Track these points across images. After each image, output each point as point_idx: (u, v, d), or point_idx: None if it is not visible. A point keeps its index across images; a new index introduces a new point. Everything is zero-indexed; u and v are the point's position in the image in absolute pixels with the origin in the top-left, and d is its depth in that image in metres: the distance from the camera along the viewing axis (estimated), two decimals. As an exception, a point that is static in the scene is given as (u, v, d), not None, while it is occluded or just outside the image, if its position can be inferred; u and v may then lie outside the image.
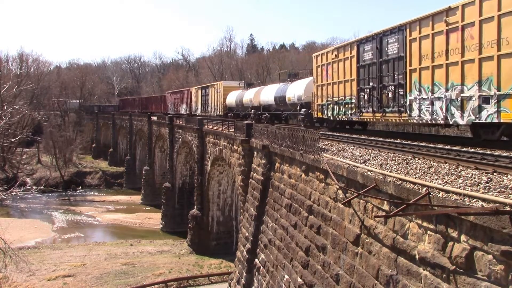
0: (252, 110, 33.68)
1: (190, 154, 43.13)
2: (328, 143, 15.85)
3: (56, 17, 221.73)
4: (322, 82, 21.91)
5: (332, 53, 20.58)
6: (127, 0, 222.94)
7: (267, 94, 31.70)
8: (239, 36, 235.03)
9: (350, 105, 19.15)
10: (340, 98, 20.04)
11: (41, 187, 48.15)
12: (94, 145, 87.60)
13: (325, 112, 21.60)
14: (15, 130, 55.53)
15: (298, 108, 25.46)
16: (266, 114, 31.48)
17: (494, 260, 6.37)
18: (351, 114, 19.11)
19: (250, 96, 34.52)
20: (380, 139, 14.94)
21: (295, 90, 26.33)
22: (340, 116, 20.21)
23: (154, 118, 56.68)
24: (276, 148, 17.86)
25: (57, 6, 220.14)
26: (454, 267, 7.17)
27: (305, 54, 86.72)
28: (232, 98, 38.29)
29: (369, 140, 14.89)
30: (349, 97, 19.16)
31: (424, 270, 7.93)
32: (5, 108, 32.73)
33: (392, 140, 14.55)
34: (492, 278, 6.39)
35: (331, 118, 21.17)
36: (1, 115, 26.91)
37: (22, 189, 23.24)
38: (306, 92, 24.58)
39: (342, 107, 19.89)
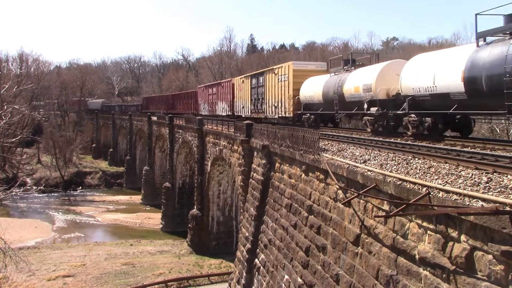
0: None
1: (190, 154, 43.12)
2: (328, 143, 15.86)
3: (56, 17, 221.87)
4: None
5: None
6: (127, 0, 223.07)
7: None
8: (239, 36, 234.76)
9: None
10: None
11: (41, 187, 48.16)
12: (94, 145, 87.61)
13: None
14: (15, 130, 55.43)
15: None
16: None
17: (494, 260, 6.37)
18: None
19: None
20: (380, 139, 14.94)
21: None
22: None
23: (154, 118, 56.64)
24: (276, 148, 17.86)
25: (57, 6, 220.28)
26: (454, 267, 7.17)
27: (305, 54, 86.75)
28: (314, 89, 23.47)
29: (369, 140, 14.89)
30: None
31: (424, 270, 7.93)
32: (5, 108, 32.73)
33: (392, 140, 14.55)
34: (492, 278, 6.39)
35: None
36: (1, 115, 26.90)
37: (22, 189, 23.24)
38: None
39: None
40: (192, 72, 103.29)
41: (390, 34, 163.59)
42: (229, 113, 37.65)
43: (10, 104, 43.35)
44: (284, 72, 26.46)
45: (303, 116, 24.44)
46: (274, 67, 28.86)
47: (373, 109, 17.21)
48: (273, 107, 28.09)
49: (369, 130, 18.07)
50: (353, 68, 20.69)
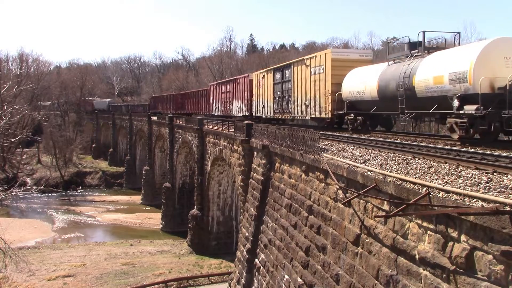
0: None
1: (190, 154, 43.11)
2: (328, 143, 15.86)
3: (56, 17, 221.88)
4: None
5: None
6: (127, 0, 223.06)
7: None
8: (239, 36, 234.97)
9: None
10: None
11: (41, 187, 48.08)
12: (94, 145, 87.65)
13: None
14: (15, 130, 55.49)
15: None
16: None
17: (494, 260, 6.37)
18: None
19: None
20: (380, 139, 14.94)
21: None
22: None
23: (154, 118, 56.61)
24: (276, 148, 17.87)
25: (57, 6, 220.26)
26: (454, 267, 7.17)
27: (305, 54, 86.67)
28: (364, 82, 18.62)
29: (369, 140, 14.89)
30: None
31: (424, 270, 7.93)
32: (5, 108, 32.72)
33: (392, 140, 14.55)
34: (492, 278, 6.39)
35: None
36: (1, 115, 26.90)
37: (22, 189, 23.22)
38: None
39: None
40: (192, 72, 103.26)
41: (390, 34, 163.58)
42: (246, 114, 32.87)
43: (10, 104, 43.36)
44: (319, 62, 21.71)
45: (347, 117, 19.91)
46: (305, 57, 23.99)
47: (469, 108, 12.30)
48: (303, 106, 23.42)
49: (455, 137, 13.27)
50: (425, 53, 15.63)
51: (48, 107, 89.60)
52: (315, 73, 22.20)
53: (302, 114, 24.12)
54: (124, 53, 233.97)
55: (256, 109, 31.61)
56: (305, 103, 23.40)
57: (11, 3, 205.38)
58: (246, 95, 33.43)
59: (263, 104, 30.04)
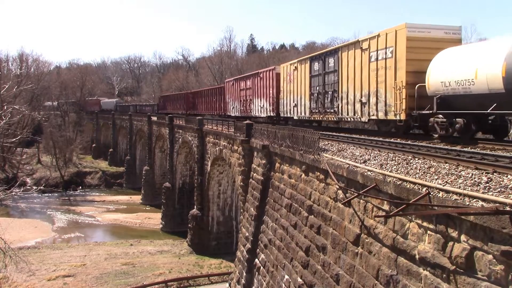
0: None
1: (190, 154, 43.12)
2: (328, 143, 15.86)
3: (56, 17, 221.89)
4: None
5: None
6: (127, 0, 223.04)
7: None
8: (239, 36, 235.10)
9: None
10: None
11: (41, 187, 48.10)
12: (94, 145, 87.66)
13: None
14: (15, 130, 55.51)
15: None
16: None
17: (494, 260, 6.37)
18: None
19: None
20: (380, 139, 14.93)
21: None
22: None
23: (154, 118, 56.59)
24: (276, 148, 17.87)
25: (57, 6, 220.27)
26: (454, 267, 7.17)
27: (305, 54, 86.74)
28: (471, 67, 12.25)
29: (369, 140, 14.87)
30: None
31: (424, 270, 7.93)
32: (5, 108, 32.73)
33: (392, 140, 14.54)
34: (492, 278, 6.39)
35: None
36: (1, 115, 26.90)
37: (22, 189, 23.21)
38: None
39: None
40: (192, 72, 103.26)
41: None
42: (272, 114, 28.09)
43: (10, 104, 43.37)
44: (384, 44, 16.11)
45: (435, 119, 13.79)
46: (361, 38, 17.89)
47: None
48: (357, 105, 17.86)
49: None
50: None
51: (49, 107, 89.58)
52: (376, 59, 16.62)
53: (354, 115, 18.22)
54: (124, 53, 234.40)
55: (285, 109, 26.21)
56: (360, 100, 17.64)
57: (11, 3, 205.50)
58: (271, 92, 28.04)
59: (295, 102, 24.57)
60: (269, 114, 28.59)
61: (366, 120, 17.90)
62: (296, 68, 24.51)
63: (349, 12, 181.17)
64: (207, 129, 33.92)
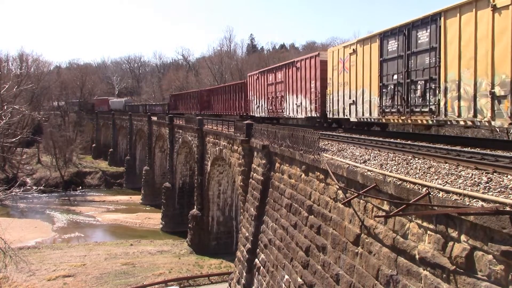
0: None
1: (190, 154, 43.12)
2: (328, 143, 15.84)
3: (56, 17, 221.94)
4: None
5: None
6: (127, 0, 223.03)
7: None
8: (239, 36, 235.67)
9: None
10: None
11: (41, 187, 48.14)
12: (94, 145, 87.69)
13: None
14: (15, 130, 55.49)
15: None
16: None
17: (494, 260, 6.37)
18: None
19: None
20: (380, 139, 14.92)
21: None
22: None
23: (154, 118, 56.59)
24: (276, 148, 17.87)
25: (57, 6, 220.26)
26: (454, 267, 7.17)
27: (305, 54, 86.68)
28: None
29: (369, 140, 14.86)
30: None
31: (424, 270, 7.93)
32: (5, 108, 32.72)
33: (392, 140, 14.53)
34: (492, 278, 6.39)
35: None
36: (1, 115, 26.89)
37: (22, 189, 23.19)
38: None
39: None
40: (192, 72, 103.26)
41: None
42: (314, 114, 22.00)
43: (10, 104, 43.35)
44: None
45: None
46: None
47: None
48: (485, 100, 11.03)
49: None
50: None
51: (53, 107, 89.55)
52: None
53: (476, 116, 11.39)
54: (124, 53, 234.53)
55: (336, 107, 19.65)
56: (490, 93, 10.70)
57: (11, 3, 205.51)
58: (314, 85, 21.92)
59: (353, 98, 18.05)
60: (309, 115, 22.57)
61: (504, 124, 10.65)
62: (354, 51, 17.79)
63: (349, 12, 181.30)
64: (207, 129, 33.91)
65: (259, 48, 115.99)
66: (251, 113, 32.48)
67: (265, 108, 29.41)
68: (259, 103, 30.68)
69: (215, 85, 56.32)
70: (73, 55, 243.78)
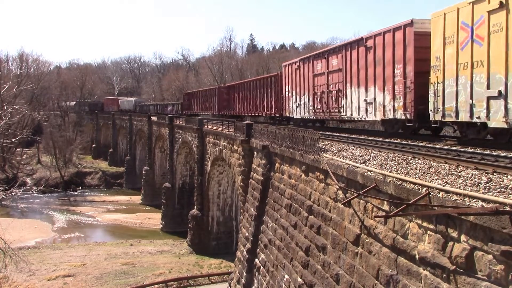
0: None
1: (190, 154, 43.12)
2: (328, 143, 15.85)
3: (56, 17, 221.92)
4: None
5: None
6: (127, 0, 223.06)
7: None
8: (239, 36, 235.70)
9: None
10: None
11: (41, 187, 48.18)
12: (94, 145, 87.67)
13: None
14: (15, 130, 55.50)
15: None
16: None
17: (494, 260, 6.37)
18: None
19: None
20: (380, 139, 14.93)
21: None
22: None
23: (154, 118, 56.57)
24: (276, 148, 17.87)
25: (57, 6, 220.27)
26: (454, 267, 7.18)
27: (305, 54, 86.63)
28: None
29: (369, 140, 14.87)
30: None
31: (424, 270, 7.93)
32: (5, 108, 32.73)
33: (392, 140, 14.54)
34: (492, 278, 6.40)
35: None
36: (1, 115, 26.89)
37: (22, 189, 23.22)
38: None
39: None
40: (192, 72, 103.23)
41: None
42: (399, 115, 15.54)
43: (10, 104, 43.36)
44: None
45: None
46: None
47: None
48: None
49: None
50: None
51: (48, 108, 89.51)
52: None
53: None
54: (124, 53, 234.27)
55: (451, 105, 12.44)
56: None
57: (11, 3, 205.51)
58: (400, 71, 15.36)
59: (498, 88, 10.51)
60: (390, 116, 16.14)
61: None
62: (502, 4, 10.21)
63: (349, 12, 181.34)
64: (207, 129, 33.91)
65: (259, 48, 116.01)
66: (287, 113, 26.48)
67: (310, 107, 23.15)
68: (300, 101, 24.35)
69: (235, 81, 49.05)
70: (73, 55, 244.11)
